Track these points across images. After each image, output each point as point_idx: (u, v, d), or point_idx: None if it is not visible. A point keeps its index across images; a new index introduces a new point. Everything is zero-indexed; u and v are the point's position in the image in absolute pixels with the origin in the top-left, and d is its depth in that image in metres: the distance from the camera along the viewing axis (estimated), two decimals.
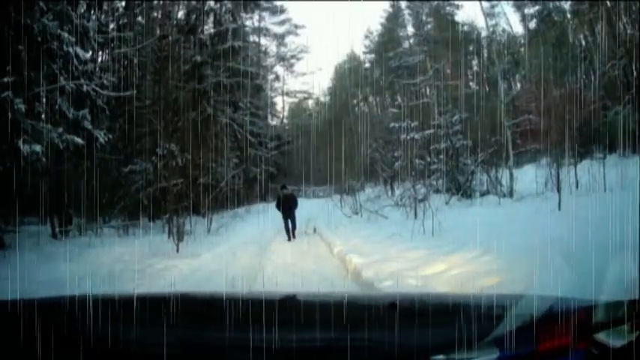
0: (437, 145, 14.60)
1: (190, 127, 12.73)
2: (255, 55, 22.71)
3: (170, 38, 14.39)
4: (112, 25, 13.89)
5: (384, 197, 15.09)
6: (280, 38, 25.21)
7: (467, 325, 1.08)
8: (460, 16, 22.35)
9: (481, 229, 6.37)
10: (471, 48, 20.67)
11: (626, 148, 10.34)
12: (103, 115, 11.22)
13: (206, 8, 17.07)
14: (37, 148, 8.02)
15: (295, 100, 27.32)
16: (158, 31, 14.80)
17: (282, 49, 25.41)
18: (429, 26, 22.25)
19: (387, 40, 23.94)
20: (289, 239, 10.99)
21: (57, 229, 10.03)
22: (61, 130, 8.86)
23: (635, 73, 12.72)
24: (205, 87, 15.18)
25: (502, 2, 20.15)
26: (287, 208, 11.39)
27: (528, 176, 11.08)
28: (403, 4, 23.50)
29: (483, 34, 19.78)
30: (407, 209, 11.29)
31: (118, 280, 5.69)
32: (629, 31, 12.91)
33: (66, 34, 9.16)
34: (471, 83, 20.28)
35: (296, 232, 11.42)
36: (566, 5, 17.43)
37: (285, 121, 27.22)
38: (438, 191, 12.89)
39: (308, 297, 1.89)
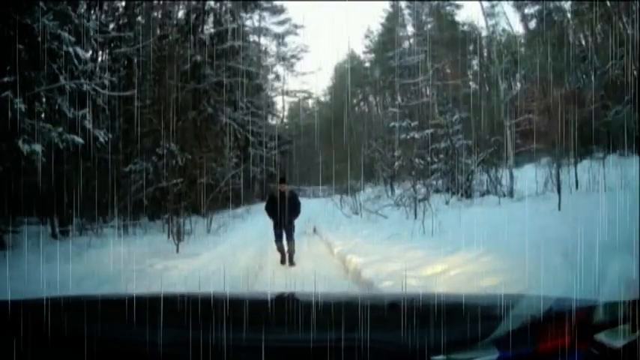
0: (437, 144, 14.60)
1: (190, 126, 12.76)
2: (255, 55, 22.70)
3: (170, 38, 14.40)
4: (112, 25, 13.91)
5: (384, 197, 15.08)
6: (280, 38, 25.23)
7: (467, 325, 1.08)
8: (460, 16, 22.41)
9: (481, 229, 6.38)
10: (471, 48, 20.66)
11: (626, 148, 10.34)
12: (103, 115, 11.22)
13: (206, 8, 17.06)
14: (37, 147, 8.02)
15: (295, 99, 27.34)
16: (158, 31, 14.80)
17: (282, 48, 25.43)
18: (429, 26, 22.24)
19: (387, 40, 23.93)
20: (283, 262, 7.63)
21: (57, 229, 10.03)
22: (61, 129, 8.86)
23: (635, 73, 12.72)
24: (205, 87, 15.18)
25: (502, 2, 20.13)
26: (282, 213, 7.52)
27: (528, 176, 11.07)
28: (403, 4, 23.49)
29: (483, 34, 19.78)
30: (407, 209, 11.30)
31: (118, 280, 5.69)
32: (629, 31, 12.91)
33: (66, 34, 9.17)
34: (471, 83, 20.27)
35: (294, 247, 7.75)
36: (566, 5, 17.43)
37: (285, 120, 27.23)
38: (438, 191, 12.90)
39: (308, 297, 1.88)
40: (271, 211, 7.72)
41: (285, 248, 7.61)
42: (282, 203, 7.58)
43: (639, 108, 10.40)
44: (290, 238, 7.62)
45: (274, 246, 7.77)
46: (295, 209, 7.80)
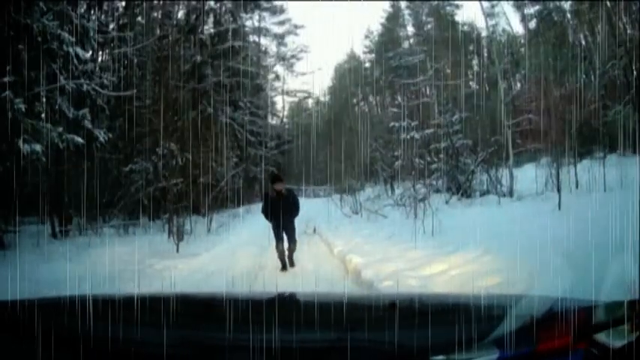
0: (437, 144, 14.60)
1: (190, 126, 12.75)
2: (255, 55, 22.70)
3: (170, 38, 14.41)
4: (112, 25, 13.91)
5: (384, 197, 15.09)
6: (280, 38, 25.22)
7: (467, 325, 1.08)
8: (460, 16, 22.37)
9: (481, 229, 6.38)
10: (471, 48, 20.67)
11: (626, 148, 10.34)
12: (103, 115, 11.23)
13: (206, 8, 17.07)
14: (37, 147, 8.03)
15: (295, 99, 27.34)
16: (158, 31, 14.81)
17: (282, 48, 25.42)
18: (429, 26, 22.26)
19: (387, 40, 23.94)
20: (284, 268, 7.14)
21: (57, 229, 10.03)
22: (61, 129, 8.86)
23: (635, 73, 12.72)
24: (205, 87, 15.18)
25: (502, 2, 20.15)
26: (280, 215, 6.98)
27: (528, 176, 11.07)
28: (403, 4, 23.52)
29: (483, 34, 19.80)
30: (407, 209, 11.29)
31: (118, 280, 5.69)
32: (629, 31, 12.91)
33: (66, 34, 9.17)
34: (471, 83, 20.28)
35: (295, 247, 7.40)
36: (566, 5, 17.43)
37: (285, 120, 27.23)
38: (438, 191, 12.90)
39: (308, 297, 1.88)
40: (269, 213, 7.15)
41: (286, 246, 7.23)
42: (280, 203, 7.02)
43: (639, 108, 10.41)
44: (291, 239, 7.23)
45: (274, 246, 7.43)
46: (295, 207, 7.31)
